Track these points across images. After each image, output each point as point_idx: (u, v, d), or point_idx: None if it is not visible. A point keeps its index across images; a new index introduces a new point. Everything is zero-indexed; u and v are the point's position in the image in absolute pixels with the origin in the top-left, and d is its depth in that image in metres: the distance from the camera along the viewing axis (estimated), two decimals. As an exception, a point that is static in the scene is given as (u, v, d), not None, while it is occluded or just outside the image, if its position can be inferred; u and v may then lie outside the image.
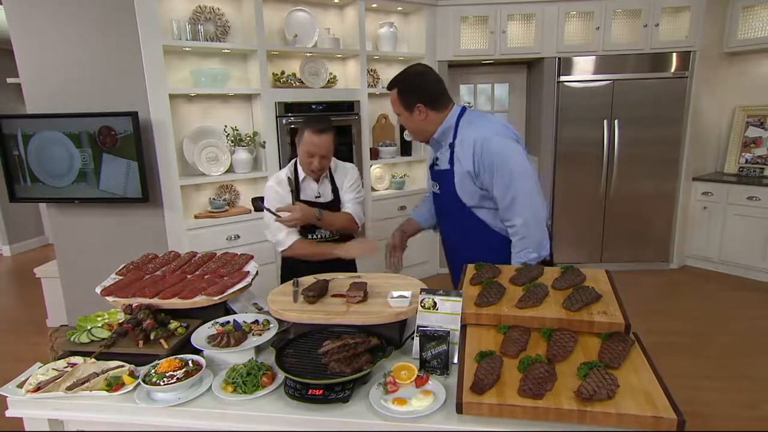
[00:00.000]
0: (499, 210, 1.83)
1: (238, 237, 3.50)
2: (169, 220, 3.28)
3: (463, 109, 1.92)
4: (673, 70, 4.37)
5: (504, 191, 1.78)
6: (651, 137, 4.46)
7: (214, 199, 3.64)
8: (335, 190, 2.25)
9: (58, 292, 3.62)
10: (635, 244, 4.67)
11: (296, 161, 2.23)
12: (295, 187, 2.18)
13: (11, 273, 5.39)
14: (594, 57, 4.38)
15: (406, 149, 4.46)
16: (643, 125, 4.45)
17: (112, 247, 3.34)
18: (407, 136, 4.42)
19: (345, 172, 2.29)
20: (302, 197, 2.18)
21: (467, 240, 1.95)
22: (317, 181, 2.21)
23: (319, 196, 2.21)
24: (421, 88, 1.87)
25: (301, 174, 2.20)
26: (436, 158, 1.98)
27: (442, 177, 1.93)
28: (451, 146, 1.88)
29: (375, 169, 4.39)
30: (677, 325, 3.60)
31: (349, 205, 2.24)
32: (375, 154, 4.27)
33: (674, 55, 4.34)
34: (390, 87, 1.91)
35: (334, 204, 2.23)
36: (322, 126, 2.06)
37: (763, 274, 4.34)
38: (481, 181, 1.82)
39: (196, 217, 3.51)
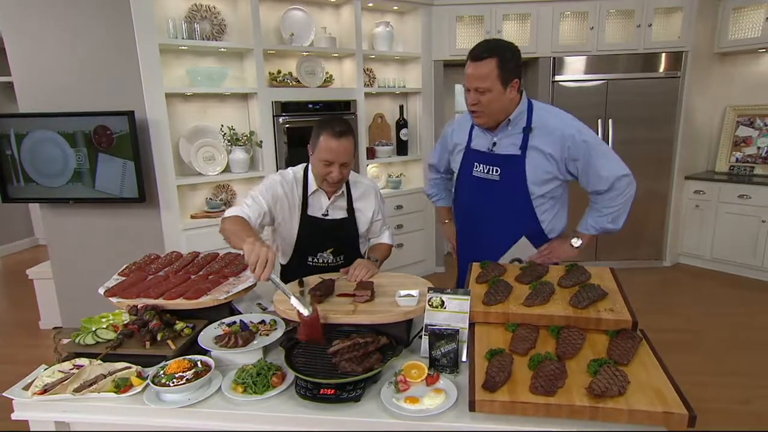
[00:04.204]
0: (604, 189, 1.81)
1: (235, 237, 3.47)
2: (165, 220, 3.25)
3: (528, 97, 1.87)
4: (665, 70, 4.42)
5: (608, 174, 1.78)
6: (644, 137, 4.51)
7: (210, 199, 3.61)
8: (351, 210, 2.01)
9: (51, 293, 3.58)
10: (629, 243, 4.72)
11: (306, 169, 1.98)
12: (303, 199, 1.95)
13: (1, 274, 5.31)
14: (588, 57, 4.42)
15: (402, 148, 4.46)
16: (637, 125, 4.50)
17: (107, 247, 3.30)
18: (404, 136, 4.43)
19: (365, 192, 2.04)
20: (309, 212, 1.95)
21: (513, 230, 1.91)
22: (330, 196, 1.96)
23: (326, 214, 1.97)
24: (519, 62, 1.76)
25: (311, 185, 1.94)
26: (494, 143, 1.88)
27: (506, 162, 1.84)
28: (525, 131, 1.81)
29: (371, 169, 4.39)
30: (671, 323, 3.64)
31: (386, 232, 2.13)
32: (371, 154, 4.27)
33: (667, 55, 4.39)
34: (484, 55, 1.70)
35: (344, 224, 2.00)
36: (341, 128, 1.79)
37: (754, 271, 4.41)
38: (567, 169, 1.82)
39: (192, 217, 3.49)
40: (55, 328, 3.72)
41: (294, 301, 1.42)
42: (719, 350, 3.24)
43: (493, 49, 1.71)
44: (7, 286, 4.96)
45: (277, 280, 1.45)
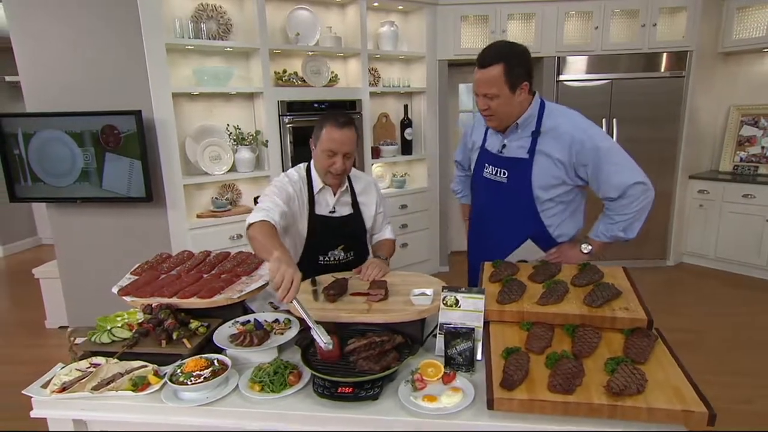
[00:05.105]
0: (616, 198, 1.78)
1: (241, 236, 3.48)
2: (172, 219, 3.26)
3: (542, 98, 1.85)
4: (670, 69, 4.43)
5: (619, 182, 1.74)
6: (648, 136, 4.51)
7: (216, 198, 3.62)
8: (355, 205, 2.04)
9: (57, 293, 3.58)
10: (632, 242, 4.63)
11: (308, 168, 2.00)
12: (309, 198, 1.95)
13: (5, 274, 5.31)
14: (593, 56, 4.43)
15: (406, 148, 4.46)
16: (641, 124, 4.50)
17: (113, 247, 3.31)
18: (408, 135, 4.43)
19: (366, 186, 2.09)
20: (317, 211, 1.96)
21: (519, 233, 1.90)
22: (335, 191, 1.98)
23: (333, 211, 1.98)
24: (527, 66, 1.75)
25: (316, 184, 1.95)
26: (503, 145, 1.88)
27: (514, 165, 1.84)
28: (534, 134, 1.80)
29: (376, 168, 4.40)
30: (675, 322, 3.64)
31: (387, 229, 2.15)
32: (376, 153, 4.27)
33: (671, 54, 4.39)
34: (491, 61, 1.70)
35: (351, 220, 2.02)
36: (344, 119, 1.83)
37: (758, 270, 4.42)
38: (577, 174, 1.79)
39: (198, 216, 3.49)
40: (61, 327, 3.73)
41: (314, 331, 1.34)
42: (722, 350, 3.24)
43: (499, 55, 1.71)
44: (9, 286, 4.96)
45: (300, 306, 1.37)
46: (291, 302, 1.36)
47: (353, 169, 2.05)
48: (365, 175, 2.18)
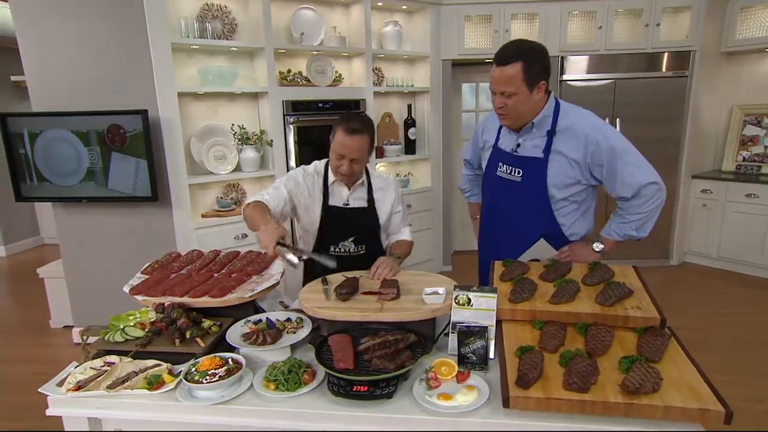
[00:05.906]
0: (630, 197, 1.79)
1: (246, 236, 3.49)
2: (177, 219, 3.26)
3: (556, 98, 1.85)
4: (673, 69, 4.43)
5: (633, 182, 1.75)
6: (651, 136, 4.52)
7: (221, 198, 3.62)
8: (371, 200, 2.09)
9: (61, 292, 3.58)
10: (636, 241, 4.71)
11: (327, 162, 2.07)
12: (324, 190, 2.04)
13: (8, 274, 5.31)
14: (596, 56, 4.43)
15: (410, 148, 4.47)
16: (644, 124, 4.51)
17: (119, 246, 3.31)
18: (412, 135, 4.43)
19: (386, 188, 2.13)
20: (330, 202, 2.03)
21: (532, 231, 1.90)
22: (349, 186, 2.05)
23: (347, 204, 2.05)
24: (545, 64, 1.74)
25: (331, 176, 2.03)
26: (518, 144, 1.88)
27: (529, 164, 1.84)
28: (549, 134, 1.80)
29: (380, 168, 4.39)
30: (679, 321, 3.59)
31: (405, 230, 2.18)
32: (380, 153, 4.28)
33: (674, 54, 4.40)
34: (510, 59, 1.70)
35: (365, 213, 2.07)
36: (355, 125, 1.87)
37: (761, 270, 4.42)
38: (592, 174, 1.80)
39: (203, 216, 3.49)
40: (66, 327, 3.73)
41: (315, 256, 1.61)
42: (727, 349, 3.25)
43: (518, 53, 1.71)
44: (13, 285, 4.95)
45: (286, 245, 1.54)
46: (275, 249, 1.54)
47: (375, 171, 2.13)
48: (388, 177, 2.22)
